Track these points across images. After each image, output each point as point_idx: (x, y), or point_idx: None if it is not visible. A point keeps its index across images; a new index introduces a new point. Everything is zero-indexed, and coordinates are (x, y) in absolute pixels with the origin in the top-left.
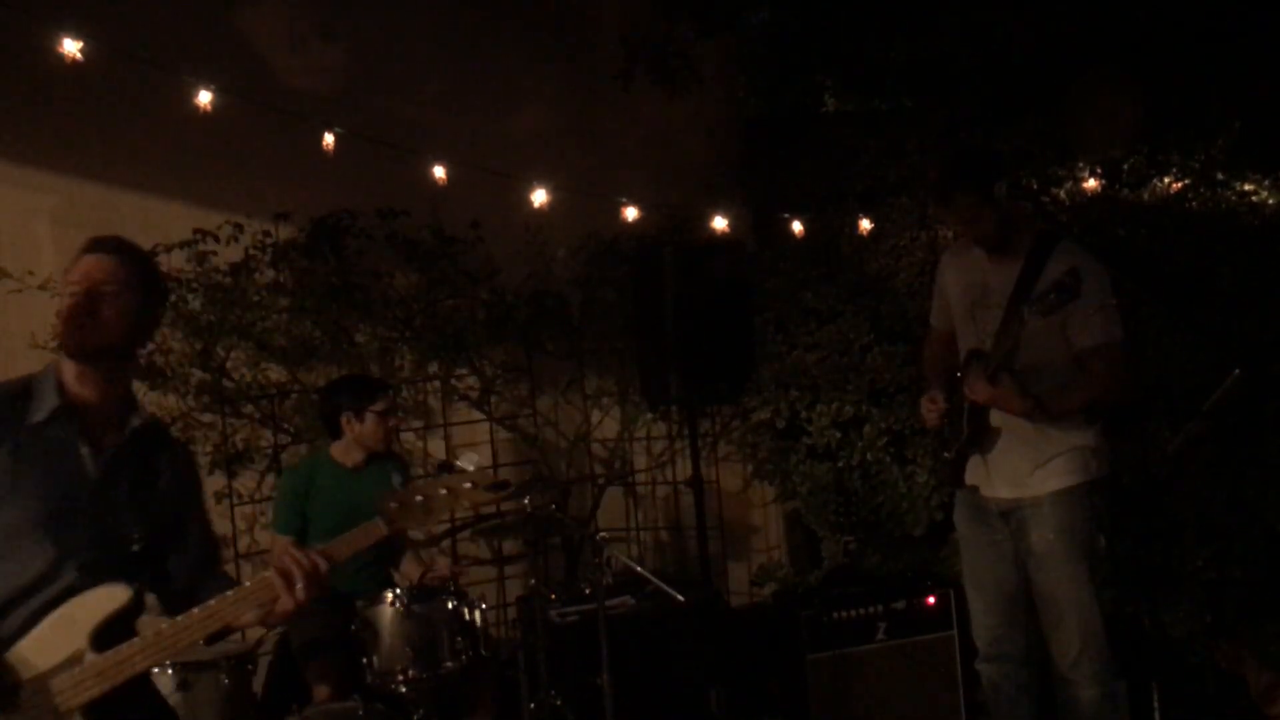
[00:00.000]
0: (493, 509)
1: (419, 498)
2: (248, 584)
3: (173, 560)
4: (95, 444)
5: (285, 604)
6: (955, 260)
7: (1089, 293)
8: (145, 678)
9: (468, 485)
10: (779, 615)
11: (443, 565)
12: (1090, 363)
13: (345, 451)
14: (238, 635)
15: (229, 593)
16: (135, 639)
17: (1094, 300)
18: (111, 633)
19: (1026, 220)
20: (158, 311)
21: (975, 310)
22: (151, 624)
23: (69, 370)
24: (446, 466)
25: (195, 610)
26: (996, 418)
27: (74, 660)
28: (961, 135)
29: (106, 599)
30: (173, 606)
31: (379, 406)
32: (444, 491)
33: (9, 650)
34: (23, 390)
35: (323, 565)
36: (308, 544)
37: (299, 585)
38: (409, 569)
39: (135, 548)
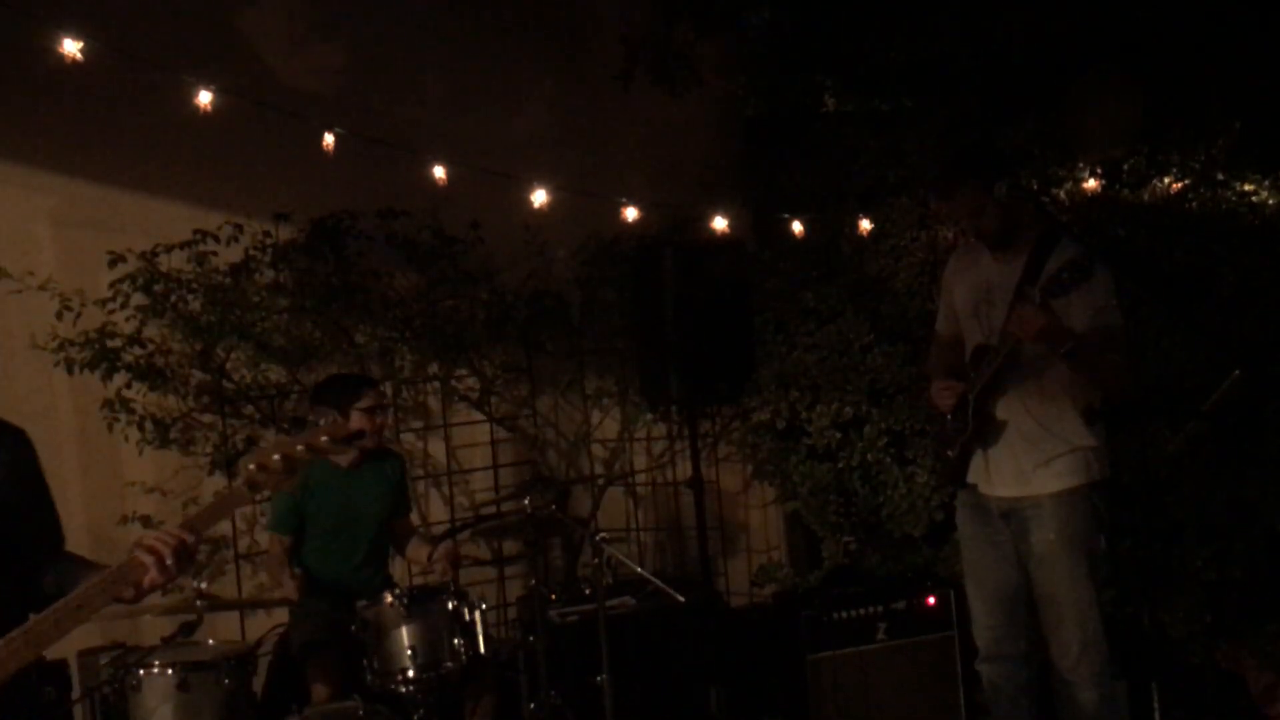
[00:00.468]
0: (493, 509)
1: (277, 457)
2: (116, 568)
3: (25, 549)
4: None
5: (155, 579)
6: (959, 263)
7: (1096, 282)
8: (27, 677)
9: (324, 439)
10: (779, 615)
11: (446, 547)
12: (1091, 339)
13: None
14: (237, 636)
15: (96, 579)
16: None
17: (1098, 292)
18: None
19: (1029, 218)
20: None
21: (981, 308)
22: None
23: None
24: (299, 422)
25: (63, 602)
26: (1002, 411)
27: None
28: (961, 135)
29: None
30: (28, 597)
31: (364, 403)
32: (301, 448)
33: None
34: None
35: (189, 538)
36: (305, 543)
37: (169, 562)
38: (416, 553)
39: None
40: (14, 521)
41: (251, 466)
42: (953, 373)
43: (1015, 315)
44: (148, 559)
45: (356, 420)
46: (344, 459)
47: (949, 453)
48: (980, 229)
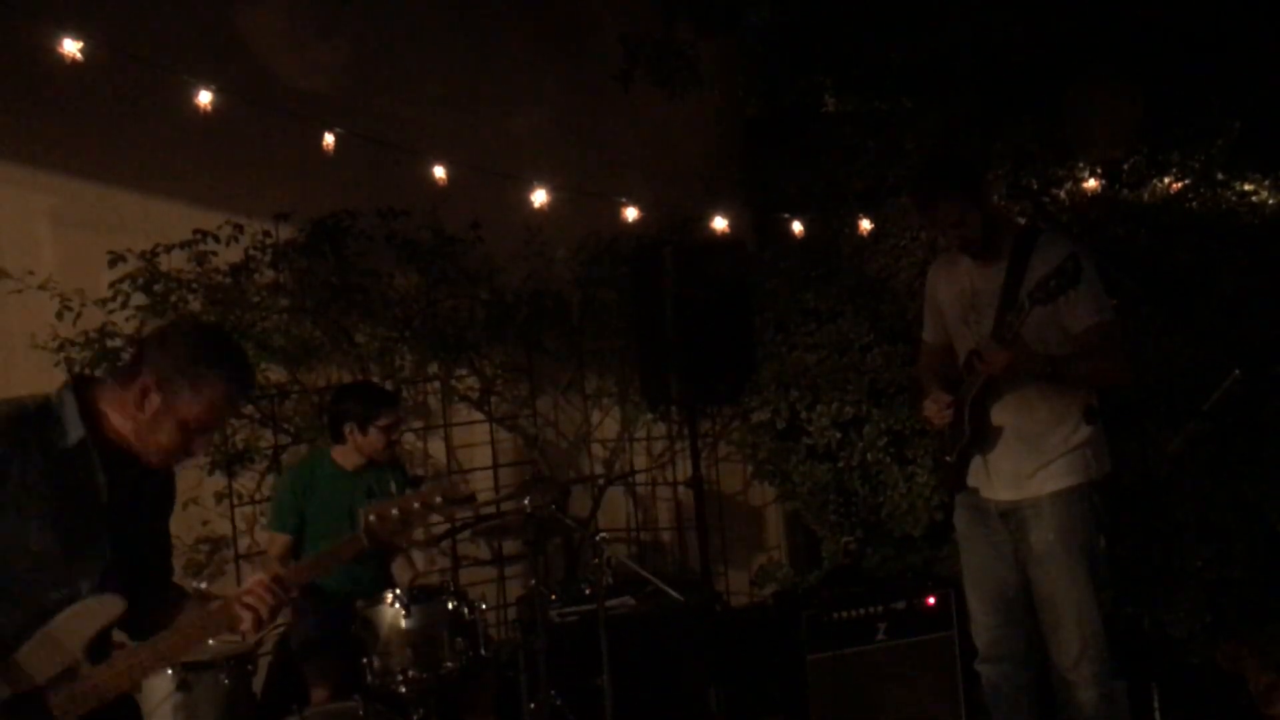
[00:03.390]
0: (493, 509)
1: (395, 511)
2: (212, 608)
3: (150, 567)
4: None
5: (248, 632)
6: (942, 272)
7: (1084, 281)
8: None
9: (439, 500)
10: (779, 615)
11: (429, 564)
12: (1089, 341)
13: (345, 455)
14: (237, 635)
15: (194, 617)
16: (122, 655)
17: (1086, 291)
18: (101, 645)
19: (1007, 221)
20: None
21: (969, 315)
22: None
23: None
24: (417, 480)
25: (168, 632)
26: (998, 416)
27: (69, 673)
28: (961, 135)
29: (100, 610)
30: (143, 615)
31: (383, 421)
32: (418, 506)
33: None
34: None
35: (284, 596)
36: (305, 544)
37: (265, 618)
38: (400, 573)
39: (120, 554)
40: (151, 543)
41: (372, 519)
42: (947, 381)
43: (983, 356)
44: (246, 616)
45: (374, 436)
46: (350, 463)
47: (947, 458)
48: (962, 239)
